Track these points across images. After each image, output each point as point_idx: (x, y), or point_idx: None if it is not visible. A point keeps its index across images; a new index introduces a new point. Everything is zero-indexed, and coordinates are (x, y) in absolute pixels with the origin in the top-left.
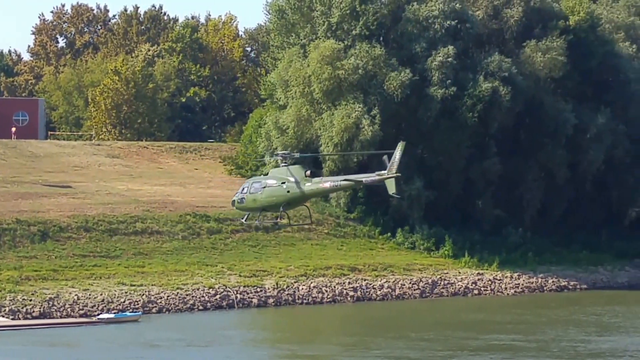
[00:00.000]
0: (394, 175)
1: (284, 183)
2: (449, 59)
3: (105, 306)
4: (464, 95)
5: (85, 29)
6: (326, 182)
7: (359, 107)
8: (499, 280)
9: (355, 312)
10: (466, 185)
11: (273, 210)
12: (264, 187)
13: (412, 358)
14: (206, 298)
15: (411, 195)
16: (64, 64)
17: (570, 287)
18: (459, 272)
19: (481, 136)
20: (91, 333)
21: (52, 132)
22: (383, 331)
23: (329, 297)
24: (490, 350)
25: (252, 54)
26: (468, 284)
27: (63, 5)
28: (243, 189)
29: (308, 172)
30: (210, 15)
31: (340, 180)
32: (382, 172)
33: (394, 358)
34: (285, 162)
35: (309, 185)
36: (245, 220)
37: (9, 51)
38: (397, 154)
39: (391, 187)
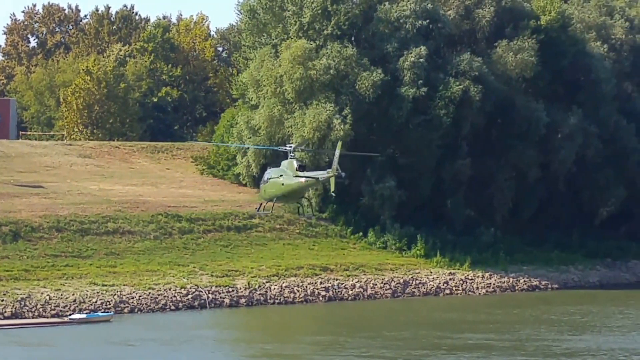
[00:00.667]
0: (334, 174)
1: (281, 176)
2: (421, 59)
3: (77, 306)
4: (435, 96)
5: (57, 29)
6: (302, 178)
7: (330, 106)
8: (471, 280)
9: (327, 311)
10: (438, 185)
11: (281, 202)
12: (269, 179)
13: (388, 357)
14: (178, 298)
15: (383, 194)
16: (35, 64)
17: (542, 286)
18: (431, 272)
19: (453, 136)
20: (64, 333)
21: (23, 132)
22: (357, 331)
23: (300, 297)
24: (465, 349)
25: (224, 54)
26: (440, 283)
27: (34, 5)
28: (263, 178)
29: (296, 166)
30: (181, 15)
31: (307, 177)
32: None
33: (371, 357)
34: (292, 155)
35: (296, 180)
36: (259, 211)
37: None
38: (337, 153)
39: (332, 186)
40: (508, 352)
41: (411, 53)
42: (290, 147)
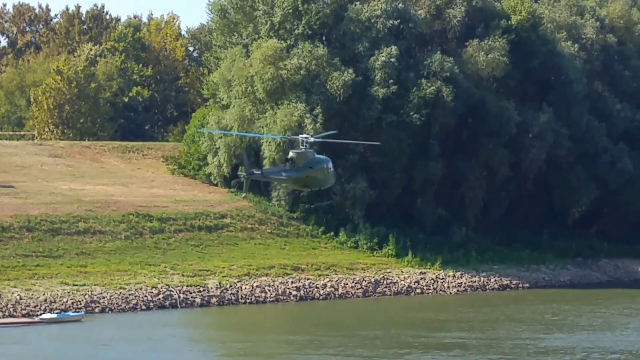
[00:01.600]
0: (245, 175)
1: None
2: (392, 59)
3: (47, 306)
4: (406, 95)
5: (27, 29)
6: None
7: (301, 106)
8: (442, 279)
9: (300, 311)
10: (409, 184)
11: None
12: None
13: (365, 356)
14: (149, 298)
15: (354, 194)
16: (5, 64)
17: (513, 285)
18: (402, 271)
19: (423, 136)
20: (34, 333)
21: None
22: (332, 330)
23: (272, 296)
24: (441, 348)
25: (195, 54)
26: (411, 283)
27: (5, 5)
28: None
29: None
30: (152, 14)
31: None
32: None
33: (348, 356)
34: (305, 146)
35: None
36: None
37: None
38: (244, 156)
39: (244, 187)
40: (484, 350)
41: (382, 53)
42: (306, 137)
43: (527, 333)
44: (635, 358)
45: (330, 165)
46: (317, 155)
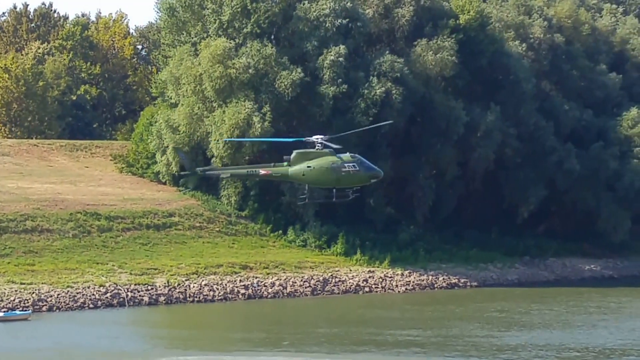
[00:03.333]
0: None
1: None
2: (340, 58)
3: None
4: (355, 95)
5: None
6: None
7: (249, 104)
8: (390, 277)
9: (250, 309)
10: None
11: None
12: None
13: (325, 353)
14: (97, 296)
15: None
16: None
17: (461, 284)
18: (350, 270)
19: (372, 135)
20: None
21: None
22: (288, 328)
23: (220, 295)
24: (399, 346)
25: (143, 52)
26: (359, 281)
27: None
28: None
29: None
30: (100, 13)
31: None
32: None
33: (309, 353)
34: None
35: None
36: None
37: None
38: (183, 158)
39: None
40: (441, 348)
41: (330, 52)
42: (317, 138)
43: (480, 331)
44: (590, 354)
45: (338, 165)
46: (320, 156)
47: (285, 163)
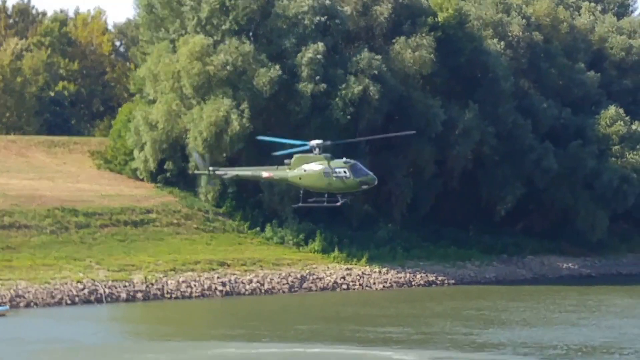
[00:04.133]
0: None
1: None
2: (318, 56)
3: None
4: (334, 93)
5: None
6: None
7: (228, 101)
8: (368, 275)
9: (228, 306)
10: None
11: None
12: None
13: (310, 351)
14: (74, 292)
15: (282, 190)
16: None
17: (438, 282)
18: (328, 267)
19: (350, 133)
20: None
21: None
22: (267, 324)
23: (197, 291)
24: (382, 342)
25: (122, 49)
26: (337, 278)
27: None
28: None
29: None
30: (79, 9)
31: None
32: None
33: (292, 348)
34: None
35: None
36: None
37: None
38: (196, 157)
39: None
40: (423, 345)
41: (309, 49)
42: (316, 143)
43: (461, 328)
44: (572, 351)
45: (329, 170)
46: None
47: (286, 166)
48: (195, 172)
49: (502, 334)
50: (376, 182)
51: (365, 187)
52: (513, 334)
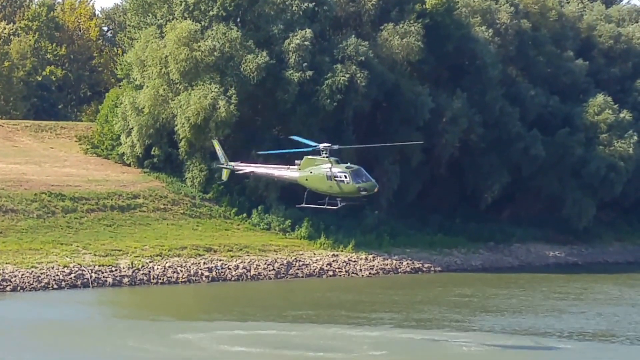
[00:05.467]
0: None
1: None
2: (306, 42)
3: None
4: (321, 80)
5: None
6: None
7: (215, 87)
8: (354, 261)
9: (214, 291)
10: None
11: None
12: None
13: (306, 335)
14: (61, 277)
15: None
16: None
17: (425, 269)
18: (314, 254)
19: (337, 120)
20: None
21: None
22: (257, 309)
23: (184, 277)
24: (381, 325)
25: (109, 34)
26: (323, 265)
27: None
28: None
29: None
30: None
31: None
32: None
33: (286, 333)
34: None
35: None
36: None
37: None
38: (217, 149)
39: (223, 175)
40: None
41: (296, 35)
42: (328, 145)
43: (452, 315)
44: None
45: (331, 174)
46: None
47: (296, 167)
48: (217, 166)
49: (493, 320)
50: (376, 189)
51: (364, 193)
52: (503, 321)
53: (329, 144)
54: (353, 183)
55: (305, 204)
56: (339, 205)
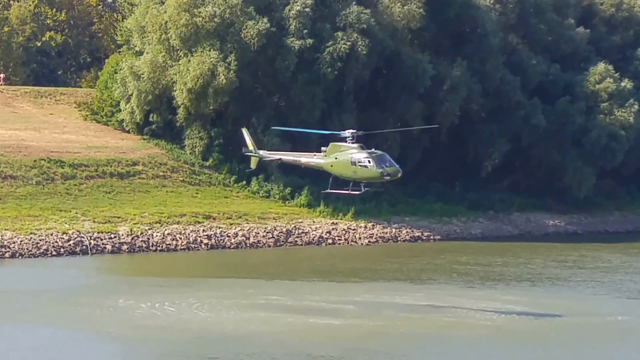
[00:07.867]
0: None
1: None
2: (306, 9)
3: None
4: (321, 48)
5: None
6: None
7: (215, 54)
8: (353, 230)
9: (214, 259)
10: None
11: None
12: None
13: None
14: (60, 244)
15: (270, 143)
16: None
17: (424, 237)
18: (314, 222)
19: (338, 88)
20: None
21: None
22: (259, 276)
23: (183, 244)
24: (391, 290)
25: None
26: (322, 233)
27: None
28: None
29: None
30: None
31: None
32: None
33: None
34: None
35: None
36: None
37: None
38: (246, 137)
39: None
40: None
41: (297, 2)
42: (350, 132)
43: (459, 283)
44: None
45: (355, 159)
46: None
47: (322, 154)
48: (246, 153)
49: (498, 287)
50: (400, 174)
51: (387, 178)
52: (508, 289)
53: (354, 130)
54: (376, 168)
55: (330, 189)
56: (363, 191)
